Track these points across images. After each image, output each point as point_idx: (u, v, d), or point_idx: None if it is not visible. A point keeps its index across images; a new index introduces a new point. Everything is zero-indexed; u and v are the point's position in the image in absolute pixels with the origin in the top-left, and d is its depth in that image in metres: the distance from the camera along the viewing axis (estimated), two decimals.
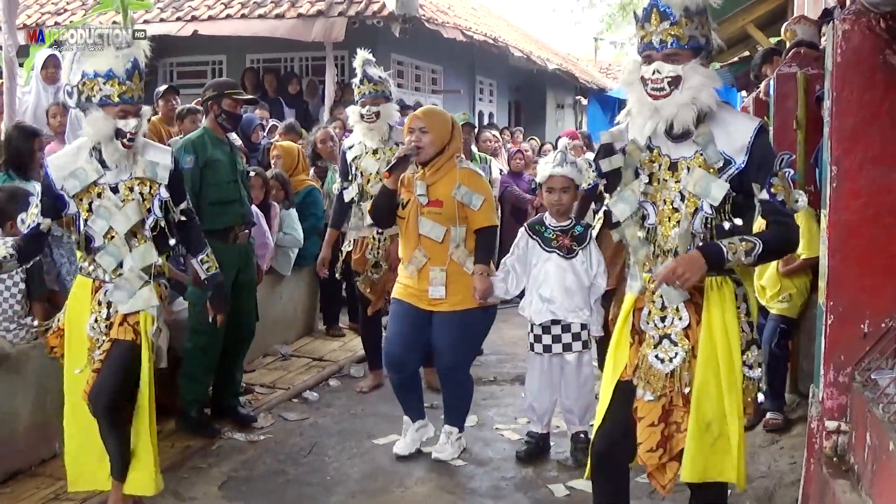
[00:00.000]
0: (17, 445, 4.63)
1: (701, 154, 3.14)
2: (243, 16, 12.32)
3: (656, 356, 3.23)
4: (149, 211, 4.05)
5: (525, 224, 5.20)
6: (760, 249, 3.07)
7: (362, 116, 5.96)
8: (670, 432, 3.22)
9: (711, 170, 3.12)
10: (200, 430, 5.31)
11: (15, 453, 4.61)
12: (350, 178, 6.07)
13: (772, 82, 6.21)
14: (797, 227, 3.22)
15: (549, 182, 4.93)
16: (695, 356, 3.17)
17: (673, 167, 3.21)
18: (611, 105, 17.54)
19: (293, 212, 7.17)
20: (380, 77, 6.02)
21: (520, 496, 4.60)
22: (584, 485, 4.69)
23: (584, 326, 4.94)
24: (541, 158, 7.21)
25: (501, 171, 9.66)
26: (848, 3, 3.65)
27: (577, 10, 63.05)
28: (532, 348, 5.05)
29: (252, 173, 6.43)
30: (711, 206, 3.13)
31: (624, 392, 3.29)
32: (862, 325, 3.55)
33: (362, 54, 6.05)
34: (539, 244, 4.97)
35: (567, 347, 4.96)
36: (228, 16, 12.37)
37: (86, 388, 3.93)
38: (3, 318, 4.68)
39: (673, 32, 3.05)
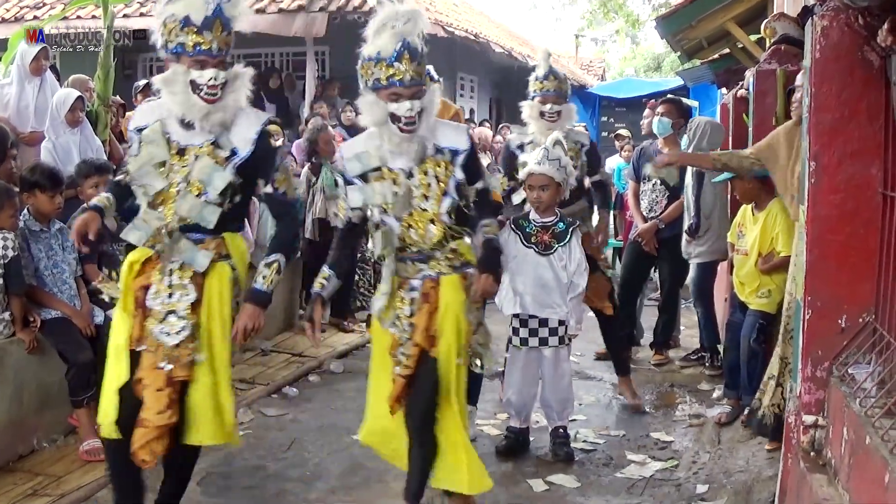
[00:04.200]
0: None
1: (211, 144, 3.54)
2: None
3: (161, 330, 3.51)
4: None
5: (510, 219, 5.21)
6: (283, 261, 3.65)
7: (542, 114, 5.69)
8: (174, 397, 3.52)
9: (217, 159, 3.52)
10: None
11: None
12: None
13: (751, 79, 6.25)
14: (297, 218, 3.60)
15: (529, 180, 5.01)
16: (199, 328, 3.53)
17: (181, 153, 3.57)
18: (591, 101, 17.57)
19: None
20: (565, 75, 5.84)
21: (499, 491, 4.59)
22: (563, 480, 4.72)
23: (561, 322, 4.97)
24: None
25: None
26: None
27: (557, 7, 63.13)
28: (510, 341, 5.10)
29: None
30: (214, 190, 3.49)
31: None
32: (839, 320, 3.56)
33: (546, 48, 5.83)
34: (520, 238, 5.01)
35: (543, 342, 5.00)
36: None
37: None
38: None
39: None
